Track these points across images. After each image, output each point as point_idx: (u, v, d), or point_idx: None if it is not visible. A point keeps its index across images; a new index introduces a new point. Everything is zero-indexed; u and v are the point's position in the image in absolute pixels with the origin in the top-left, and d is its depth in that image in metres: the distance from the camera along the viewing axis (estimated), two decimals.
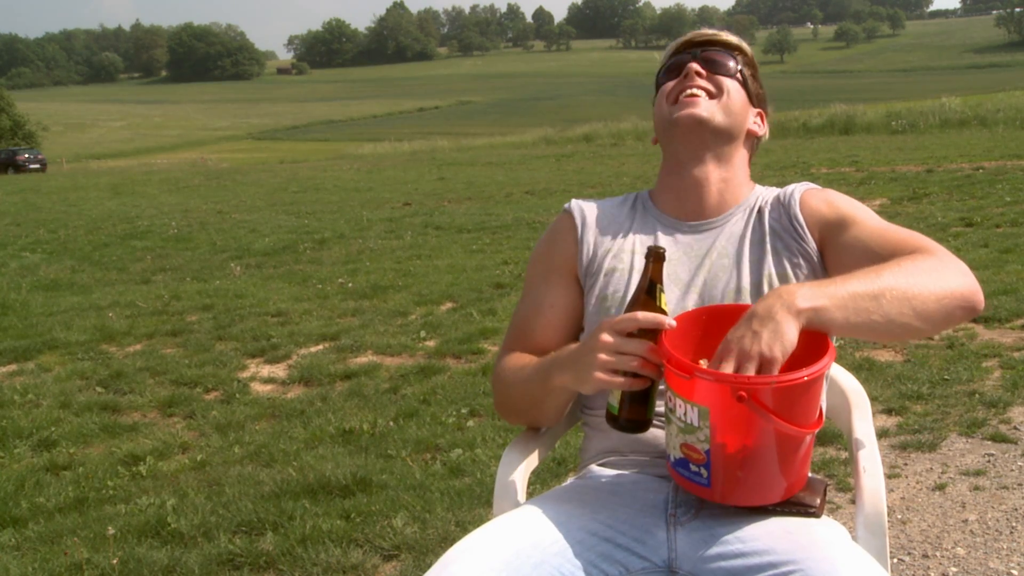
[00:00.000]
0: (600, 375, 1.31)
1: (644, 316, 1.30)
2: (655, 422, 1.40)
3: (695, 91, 1.56)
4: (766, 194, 1.61)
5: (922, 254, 1.38)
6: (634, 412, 1.35)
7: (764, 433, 1.25)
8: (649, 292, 1.35)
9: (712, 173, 1.57)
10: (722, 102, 1.56)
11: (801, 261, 1.51)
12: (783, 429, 1.23)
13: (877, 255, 1.42)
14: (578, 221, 1.61)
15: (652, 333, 1.31)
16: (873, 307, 1.29)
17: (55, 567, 2.70)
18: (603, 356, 1.30)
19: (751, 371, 1.22)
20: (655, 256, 1.36)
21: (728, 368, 1.23)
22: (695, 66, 1.56)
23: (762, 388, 1.21)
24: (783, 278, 1.49)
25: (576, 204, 1.64)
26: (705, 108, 1.54)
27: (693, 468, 1.30)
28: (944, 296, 1.32)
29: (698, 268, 1.52)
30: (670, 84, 1.58)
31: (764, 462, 1.29)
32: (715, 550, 1.29)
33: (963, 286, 1.34)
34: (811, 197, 1.56)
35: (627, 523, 1.36)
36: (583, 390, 1.38)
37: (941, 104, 27.24)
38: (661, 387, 1.33)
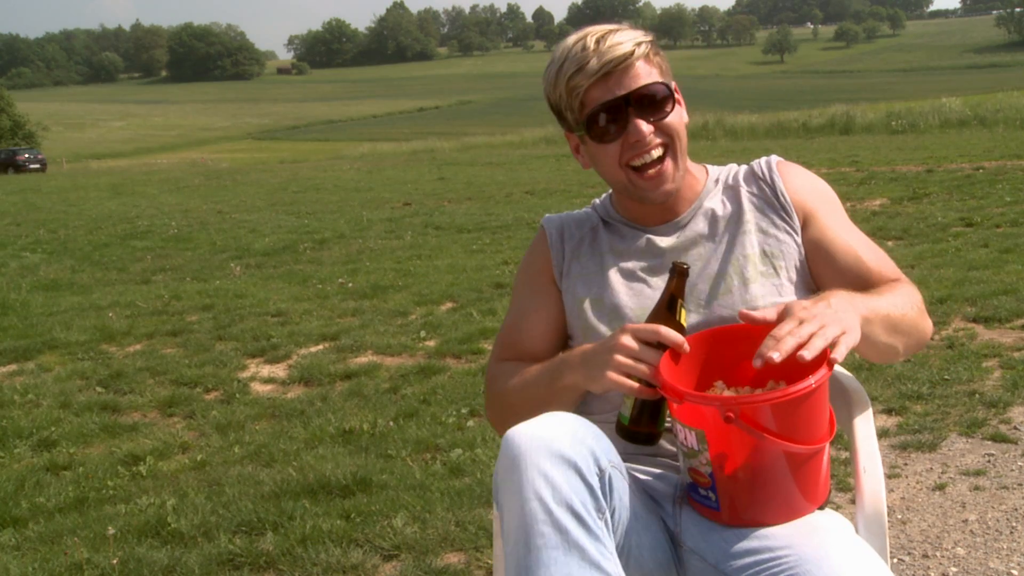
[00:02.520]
0: (613, 375, 1.32)
1: (667, 332, 1.32)
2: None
3: (654, 155, 1.46)
4: (728, 173, 1.61)
5: (910, 287, 1.50)
6: (644, 424, 1.36)
7: (762, 451, 1.24)
8: (669, 307, 1.37)
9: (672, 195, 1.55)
10: (676, 150, 1.48)
11: (786, 237, 1.52)
12: (777, 447, 1.22)
13: (862, 278, 1.49)
14: (548, 231, 1.66)
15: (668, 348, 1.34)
16: (885, 335, 1.40)
17: (55, 567, 2.70)
18: (619, 358, 1.33)
19: (822, 342, 1.19)
20: (678, 272, 1.37)
21: (805, 327, 1.20)
22: (642, 127, 1.43)
23: (750, 407, 1.21)
24: (768, 256, 1.50)
25: (547, 218, 1.70)
26: (671, 178, 1.48)
27: (702, 492, 1.31)
28: (923, 338, 1.49)
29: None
30: (613, 147, 1.46)
31: (769, 481, 1.27)
32: (716, 531, 1.32)
33: (929, 329, 1.51)
34: (792, 174, 1.57)
35: (642, 492, 1.40)
36: (593, 389, 1.39)
37: (941, 104, 27.27)
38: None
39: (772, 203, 1.54)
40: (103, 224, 13.53)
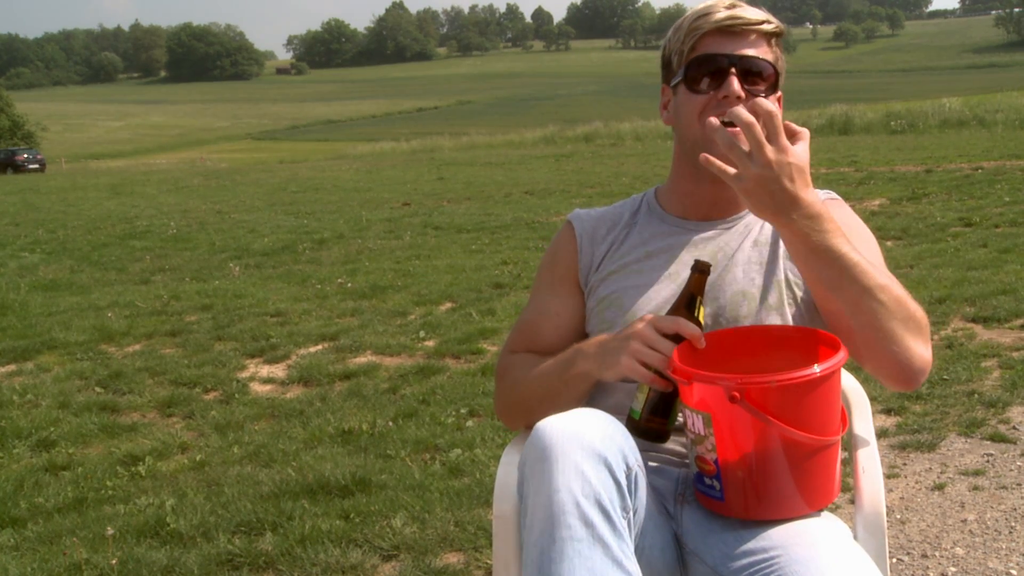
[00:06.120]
0: (628, 361, 1.33)
1: (686, 324, 1.34)
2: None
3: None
4: None
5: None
6: (655, 420, 1.37)
7: (767, 438, 1.24)
8: (688, 305, 1.38)
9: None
10: None
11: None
12: (782, 433, 1.22)
13: None
14: (578, 231, 1.64)
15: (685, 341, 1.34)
16: (839, 272, 1.29)
17: (54, 567, 2.70)
18: (636, 345, 1.34)
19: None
20: (700, 270, 1.38)
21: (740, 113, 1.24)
22: (735, 86, 1.42)
23: (756, 388, 1.21)
24: (792, 284, 1.49)
25: (576, 214, 1.67)
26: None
27: (707, 481, 1.31)
28: (907, 346, 1.33)
29: None
30: (700, 99, 1.46)
31: (774, 470, 1.27)
32: (715, 533, 1.33)
33: (923, 356, 1.35)
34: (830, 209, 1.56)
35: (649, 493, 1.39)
36: (605, 376, 1.40)
37: (940, 104, 27.28)
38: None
39: None
40: (102, 224, 13.53)
